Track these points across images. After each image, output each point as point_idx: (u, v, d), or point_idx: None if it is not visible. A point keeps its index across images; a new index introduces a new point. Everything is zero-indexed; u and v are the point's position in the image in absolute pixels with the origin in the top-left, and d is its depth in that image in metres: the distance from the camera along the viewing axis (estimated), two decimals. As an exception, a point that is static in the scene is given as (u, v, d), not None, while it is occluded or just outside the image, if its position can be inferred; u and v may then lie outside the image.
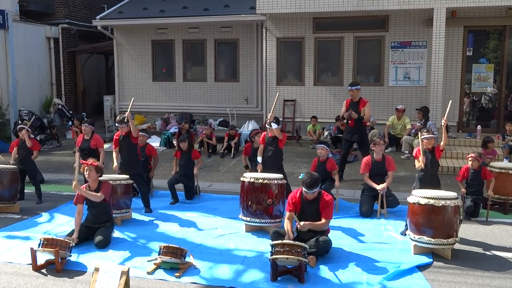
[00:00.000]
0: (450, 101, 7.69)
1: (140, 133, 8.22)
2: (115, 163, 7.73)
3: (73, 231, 6.14)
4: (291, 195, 5.96)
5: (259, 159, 7.62)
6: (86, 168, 6.28)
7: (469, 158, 7.48)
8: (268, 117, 7.53)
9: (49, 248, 5.43)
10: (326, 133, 12.54)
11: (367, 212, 7.39)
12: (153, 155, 8.76)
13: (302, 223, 5.65)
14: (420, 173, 6.84)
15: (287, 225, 5.83)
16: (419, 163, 6.78)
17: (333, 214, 5.95)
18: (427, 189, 6.29)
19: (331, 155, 8.09)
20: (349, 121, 9.29)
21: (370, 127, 11.47)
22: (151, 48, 15.37)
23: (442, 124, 6.90)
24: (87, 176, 6.28)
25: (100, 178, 6.42)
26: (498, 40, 12.10)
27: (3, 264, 5.69)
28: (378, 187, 7.31)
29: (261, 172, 7.32)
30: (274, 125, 7.36)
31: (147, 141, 8.95)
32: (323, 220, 5.76)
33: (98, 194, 6.18)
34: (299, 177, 5.84)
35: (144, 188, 7.83)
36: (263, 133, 7.77)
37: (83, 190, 6.16)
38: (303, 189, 5.71)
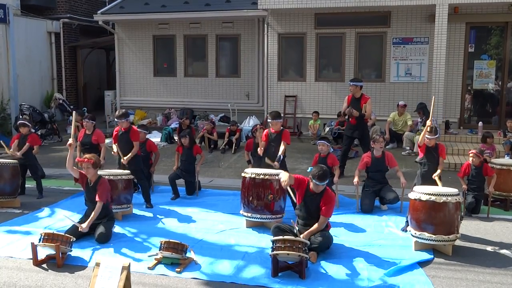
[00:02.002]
0: (433, 97, 7.64)
1: (139, 130, 8.23)
2: (115, 149, 7.83)
3: (72, 226, 6.13)
4: (301, 178, 5.88)
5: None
6: (83, 165, 6.27)
7: (470, 155, 7.48)
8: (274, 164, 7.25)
9: (50, 243, 5.43)
10: (327, 129, 12.53)
11: (368, 208, 7.39)
12: (154, 151, 8.74)
13: (302, 236, 5.61)
14: (423, 169, 6.84)
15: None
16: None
17: (332, 212, 5.92)
18: (429, 185, 6.29)
19: (332, 150, 8.08)
20: (350, 118, 9.26)
21: (372, 124, 11.47)
22: (152, 43, 15.37)
23: (427, 126, 6.80)
24: (85, 173, 6.28)
25: (99, 173, 6.42)
26: (500, 36, 12.06)
27: (4, 258, 5.69)
28: (355, 180, 7.39)
29: (262, 155, 7.31)
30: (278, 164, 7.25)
31: (147, 136, 8.94)
32: (320, 219, 5.72)
33: (96, 208, 6.12)
34: (308, 170, 5.81)
35: (144, 183, 7.84)
36: (265, 130, 7.71)
37: (88, 223, 6.06)
38: (315, 181, 5.63)
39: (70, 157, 6.23)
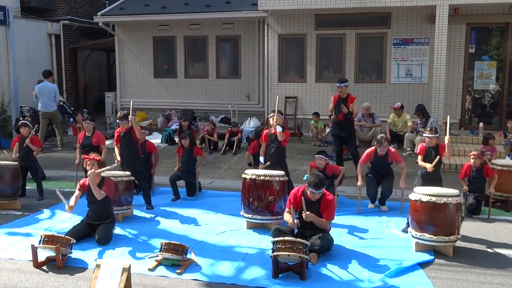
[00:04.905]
0: (448, 116, 7.66)
1: None
2: (118, 158, 7.77)
3: (73, 227, 6.13)
4: (293, 192, 5.94)
5: (261, 159, 7.62)
6: (88, 162, 6.27)
7: (471, 156, 7.47)
8: (274, 120, 7.46)
9: (50, 245, 5.42)
10: (327, 130, 12.53)
11: (374, 195, 7.56)
12: (154, 152, 8.73)
13: (307, 212, 5.63)
14: (423, 170, 6.84)
15: (287, 216, 5.81)
16: (421, 162, 6.91)
17: (335, 214, 5.92)
18: (429, 186, 6.29)
19: (331, 162, 8.09)
20: (335, 118, 9.27)
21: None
22: (153, 45, 15.37)
23: (446, 142, 6.89)
24: (89, 169, 6.27)
25: (102, 174, 6.41)
26: (500, 37, 12.06)
27: (5, 260, 5.69)
28: (359, 182, 7.51)
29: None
30: (279, 128, 7.37)
31: (147, 137, 8.94)
32: (324, 220, 5.77)
33: (101, 192, 6.15)
34: (304, 179, 5.81)
35: (145, 184, 7.84)
36: (265, 131, 7.74)
37: (90, 182, 6.11)
38: (310, 189, 5.64)
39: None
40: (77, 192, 6.33)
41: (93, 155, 6.38)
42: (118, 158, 7.77)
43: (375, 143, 7.63)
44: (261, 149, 7.70)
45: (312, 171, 7.59)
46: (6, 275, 5.29)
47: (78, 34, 17.69)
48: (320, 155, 7.84)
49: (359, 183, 7.49)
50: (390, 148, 7.70)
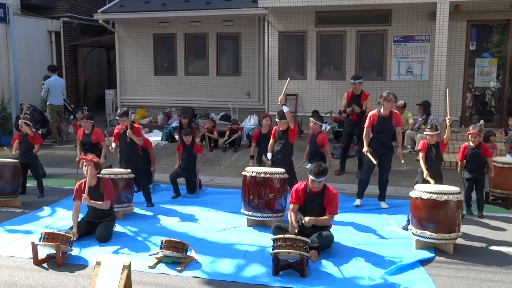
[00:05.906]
0: (448, 89, 7.54)
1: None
2: (113, 145, 7.89)
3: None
4: (295, 187, 5.95)
5: (269, 155, 7.59)
6: (85, 164, 6.25)
7: (470, 135, 7.19)
8: (279, 100, 7.44)
9: (50, 242, 5.43)
10: (328, 127, 12.51)
11: (366, 177, 7.58)
12: (148, 148, 8.69)
13: (307, 218, 5.65)
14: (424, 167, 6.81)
15: (290, 217, 5.83)
16: (423, 162, 6.77)
17: (338, 208, 5.92)
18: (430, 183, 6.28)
19: (325, 127, 8.11)
20: (351, 115, 9.25)
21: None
22: (153, 42, 15.35)
23: (447, 122, 6.81)
24: (85, 172, 6.26)
25: (99, 175, 6.39)
26: (501, 34, 12.03)
27: (5, 258, 5.69)
28: (364, 149, 7.50)
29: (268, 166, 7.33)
30: (285, 108, 7.33)
31: (144, 134, 8.93)
32: (327, 216, 5.77)
33: (104, 202, 6.19)
34: (307, 167, 5.84)
35: (145, 182, 7.83)
36: (274, 127, 7.75)
37: (90, 201, 6.12)
38: (311, 177, 5.67)
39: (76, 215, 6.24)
40: (76, 204, 6.27)
41: (90, 156, 6.35)
42: (113, 146, 7.88)
43: (381, 100, 7.40)
44: (269, 145, 7.69)
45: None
46: (6, 273, 5.29)
47: (78, 32, 17.66)
48: (314, 119, 7.98)
49: (365, 149, 7.46)
50: (394, 110, 7.59)
